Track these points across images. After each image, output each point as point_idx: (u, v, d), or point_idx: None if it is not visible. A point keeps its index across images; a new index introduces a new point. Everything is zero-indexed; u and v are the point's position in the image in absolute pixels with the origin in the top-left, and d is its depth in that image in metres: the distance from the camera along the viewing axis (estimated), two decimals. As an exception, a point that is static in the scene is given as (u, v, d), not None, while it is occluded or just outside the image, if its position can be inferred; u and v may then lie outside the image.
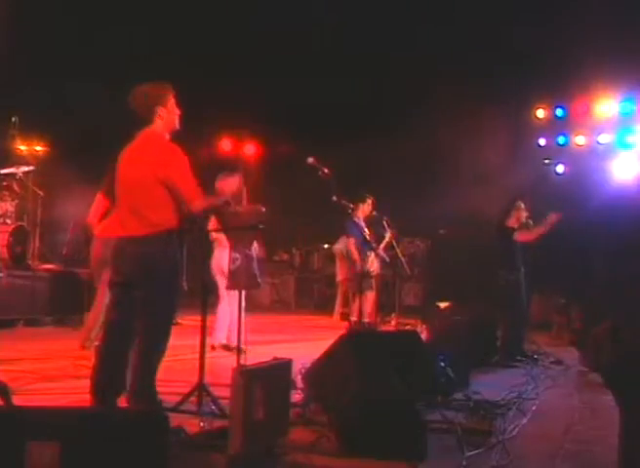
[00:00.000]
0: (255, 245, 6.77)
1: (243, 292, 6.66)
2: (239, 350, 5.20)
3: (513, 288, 7.70)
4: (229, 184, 6.14)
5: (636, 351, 3.26)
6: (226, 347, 7.08)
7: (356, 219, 8.52)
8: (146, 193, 4.08)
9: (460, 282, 11.55)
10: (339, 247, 10.98)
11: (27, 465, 2.57)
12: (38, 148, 11.24)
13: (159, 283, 4.08)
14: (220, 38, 11.39)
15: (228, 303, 6.95)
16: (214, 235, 6.81)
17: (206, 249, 6.66)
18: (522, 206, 7.94)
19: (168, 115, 4.24)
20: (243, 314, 7.27)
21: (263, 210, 5.51)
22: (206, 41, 11.32)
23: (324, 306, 12.93)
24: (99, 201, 6.46)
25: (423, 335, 7.41)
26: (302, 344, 8.20)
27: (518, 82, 11.30)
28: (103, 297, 5.90)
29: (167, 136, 4.26)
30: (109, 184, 4.89)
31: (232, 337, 7.30)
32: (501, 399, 5.23)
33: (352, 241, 9.04)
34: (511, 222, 7.87)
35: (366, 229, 8.22)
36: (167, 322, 4.22)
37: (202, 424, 4.10)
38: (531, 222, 7.89)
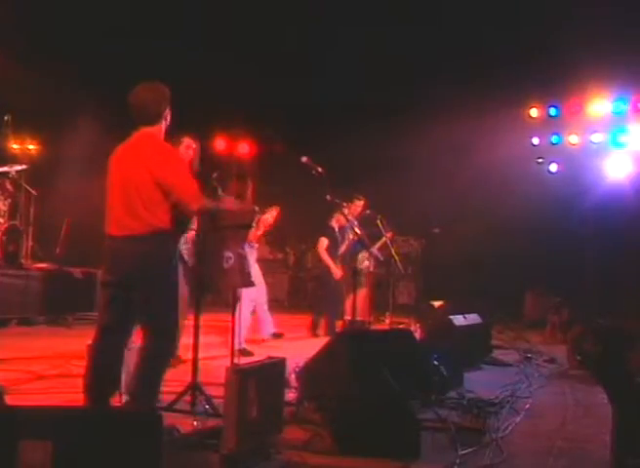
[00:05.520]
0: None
1: (251, 292, 6.65)
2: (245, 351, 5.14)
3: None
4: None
5: (626, 348, 3.28)
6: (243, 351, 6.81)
7: (333, 224, 9.06)
8: (142, 193, 4.02)
9: (453, 280, 11.57)
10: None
11: (20, 465, 2.56)
12: (31, 147, 11.20)
13: (157, 283, 4.02)
14: (216, 37, 11.35)
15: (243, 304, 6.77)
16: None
17: (200, 249, 6.62)
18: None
19: (168, 117, 4.22)
20: (247, 315, 7.31)
21: (256, 208, 5.49)
22: (200, 40, 11.29)
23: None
24: None
25: (417, 334, 7.44)
26: (296, 343, 8.20)
27: (512, 81, 11.31)
28: None
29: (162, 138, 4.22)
30: None
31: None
32: (495, 397, 5.25)
33: (323, 242, 9.15)
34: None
35: (357, 230, 8.20)
36: (170, 324, 4.12)
37: (196, 423, 4.10)
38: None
